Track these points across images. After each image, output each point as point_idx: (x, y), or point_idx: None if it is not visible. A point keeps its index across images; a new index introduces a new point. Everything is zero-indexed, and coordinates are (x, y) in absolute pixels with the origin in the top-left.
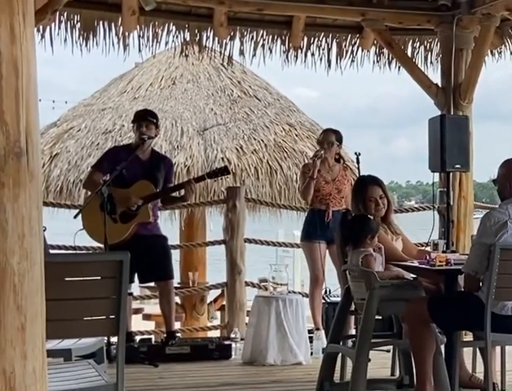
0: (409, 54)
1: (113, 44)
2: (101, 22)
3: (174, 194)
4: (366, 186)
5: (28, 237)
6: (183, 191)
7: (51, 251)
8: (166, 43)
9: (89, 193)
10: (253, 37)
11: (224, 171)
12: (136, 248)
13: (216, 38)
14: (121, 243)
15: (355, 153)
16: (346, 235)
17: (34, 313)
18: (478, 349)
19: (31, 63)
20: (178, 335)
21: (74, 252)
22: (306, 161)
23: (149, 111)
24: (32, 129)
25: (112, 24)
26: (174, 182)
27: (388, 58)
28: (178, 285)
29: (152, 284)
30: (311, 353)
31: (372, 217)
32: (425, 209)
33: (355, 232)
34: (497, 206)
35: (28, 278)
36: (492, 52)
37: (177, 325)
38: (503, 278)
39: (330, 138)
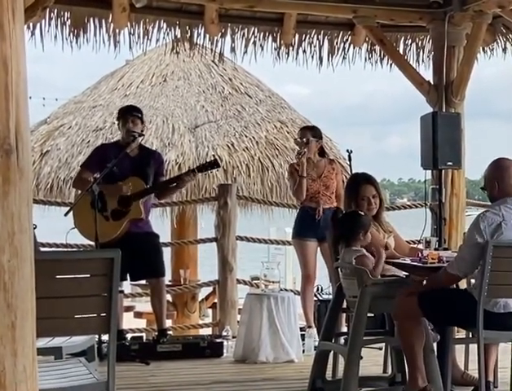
0: (401, 51)
1: (104, 41)
2: (91, 19)
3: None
4: (359, 184)
5: (18, 234)
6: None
7: (42, 249)
8: (157, 40)
9: (79, 191)
10: (244, 34)
11: (214, 164)
12: (128, 246)
13: (207, 35)
14: (112, 241)
15: (347, 150)
16: (338, 233)
17: (25, 311)
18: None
19: (20, 60)
20: (170, 333)
21: (65, 249)
22: (293, 161)
23: (133, 106)
24: (22, 127)
25: (103, 21)
26: (166, 178)
27: (380, 55)
28: (170, 283)
29: (143, 282)
30: (303, 351)
31: (363, 213)
32: (417, 207)
33: (347, 229)
34: (490, 205)
35: (19, 276)
36: (484, 49)
37: (168, 323)
38: (496, 275)
39: (306, 136)
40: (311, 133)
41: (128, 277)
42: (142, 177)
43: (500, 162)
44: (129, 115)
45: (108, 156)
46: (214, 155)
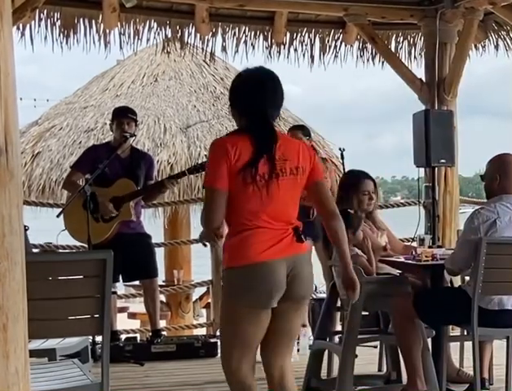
0: (393, 48)
1: (94, 41)
2: (81, 19)
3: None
4: (360, 179)
5: (9, 236)
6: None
7: (34, 250)
8: (148, 40)
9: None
10: (235, 33)
11: (205, 166)
12: (120, 247)
13: (198, 35)
14: (104, 243)
15: (340, 149)
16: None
17: (16, 313)
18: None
19: (9, 62)
20: (164, 333)
21: (58, 251)
22: None
23: (129, 108)
24: (11, 128)
25: (93, 22)
26: (158, 179)
27: (371, 53)
28: (163, 283)
29: (137, 283)
30: (298, 350)
31: (352, 212)
32: (410, 205)
33: None
34: (485, 201)
35: (10, 278)
36: (475, 46)
37: (162, 323)
38: (490, 272)
39: (297, 135)
40: (301, 132)
41: (120, 278)
42: (132, 179)
43: (507, 157)
44: (124, 117)
45: (99, 158)
46: (206, 156)
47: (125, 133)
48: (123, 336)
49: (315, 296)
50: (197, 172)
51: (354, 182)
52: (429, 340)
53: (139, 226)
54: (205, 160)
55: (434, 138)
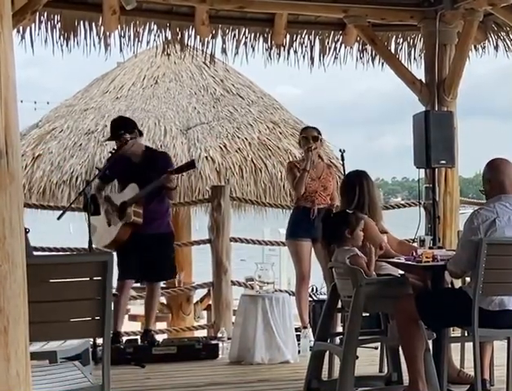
0: (392, 50)
1: (94, 44)
2: (82, 22)
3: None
4: (368, 177)
5: (9, 239)
6: None
7: (35, 253)
8: (148, 42)
9: (72, 197)
10: (235, 35)
11: (190, 165)
12: (136, 248)
13: (198, 37)
14: (122, 244)
15: (340, 150)
16: (328, 234)
17: (17, 315)
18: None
19: (9, 64)
20: (165, 336)
21: (58, 253)
22: (291, 159)
23: (115, 126)
24: (11, 131)
25: (93, 24)
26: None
27: (371, 54)
28: (164, 285)
29: (137, 285)
30: (299, 352)
31: (351, 212)
32: (411, 206)
33: (335, 230)
34: (484, 202)
35: (10, 281)
36: (475, 47)
37: (163, 325)
38: (490, 273)
39: (314, 133)
40: (316, 131)
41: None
42: (145, 182)
43: (491, 163)
44: (115, 138)
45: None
46: (206, 157)
47: (122, 139)
48: (124, 338)
49: (315, 298)
50: (182, 171)
51: (367, 178)
52: (429, 342)
53: (163, 226)
54: (190, 160)
55: (434, 139)
